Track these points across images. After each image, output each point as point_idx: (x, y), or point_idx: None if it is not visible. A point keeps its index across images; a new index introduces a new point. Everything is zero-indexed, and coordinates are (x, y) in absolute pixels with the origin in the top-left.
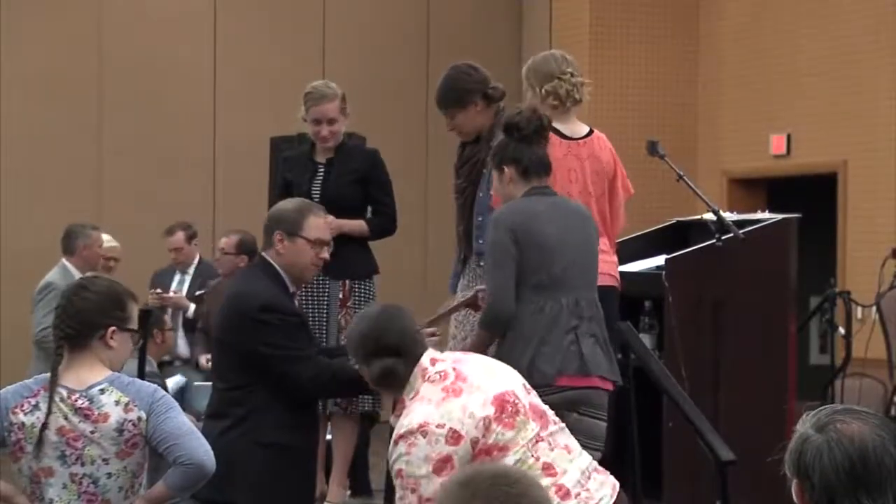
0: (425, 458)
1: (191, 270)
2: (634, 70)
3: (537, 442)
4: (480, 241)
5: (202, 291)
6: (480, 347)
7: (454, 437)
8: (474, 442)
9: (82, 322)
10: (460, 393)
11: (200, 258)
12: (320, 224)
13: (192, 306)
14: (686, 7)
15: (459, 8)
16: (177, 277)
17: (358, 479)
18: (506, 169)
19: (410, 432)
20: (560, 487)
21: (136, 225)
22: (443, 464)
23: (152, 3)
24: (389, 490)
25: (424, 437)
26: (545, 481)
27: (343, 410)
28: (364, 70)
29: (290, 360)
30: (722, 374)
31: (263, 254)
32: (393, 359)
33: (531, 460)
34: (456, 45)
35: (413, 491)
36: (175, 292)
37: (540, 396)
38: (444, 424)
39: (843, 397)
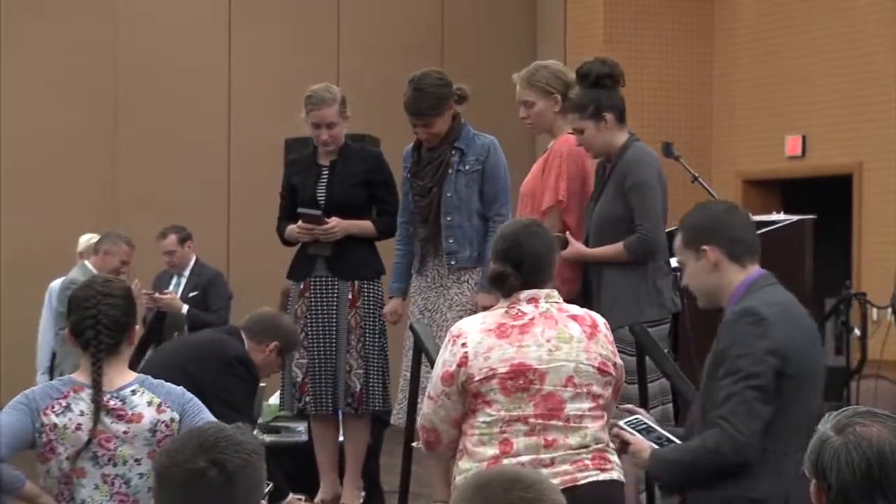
0: (443, 362)
1: (186, 273)
2: (649, 71)
3: (518, 420)
4: (451, 241)
5: (196, 293)
6: (603, 259)
7: (463, 360)
8: (470, 377)
9: (118, 330)
10: (503, 336)
11: (197, 260)
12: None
13: (186, 308)
14: (701, 8)
15: (473, 11)
16: (174, 280)
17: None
18: (607, 116)
19: (451, 334)
20: (496, 459)
21: (151, 228)
22: (449, 377)
23: (167, 7)
24: (404, 491)
25: (452, 345)
26: (491, 451)
27: (354, 411)
28: (378, 72)
29: (234, 412)
30: None
31: (244, 335)
32: (512, 270)
33: (496, 429)
34: (470, 49)
35: (432, 380)
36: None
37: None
38: (467, 345)
39: (858, 399)
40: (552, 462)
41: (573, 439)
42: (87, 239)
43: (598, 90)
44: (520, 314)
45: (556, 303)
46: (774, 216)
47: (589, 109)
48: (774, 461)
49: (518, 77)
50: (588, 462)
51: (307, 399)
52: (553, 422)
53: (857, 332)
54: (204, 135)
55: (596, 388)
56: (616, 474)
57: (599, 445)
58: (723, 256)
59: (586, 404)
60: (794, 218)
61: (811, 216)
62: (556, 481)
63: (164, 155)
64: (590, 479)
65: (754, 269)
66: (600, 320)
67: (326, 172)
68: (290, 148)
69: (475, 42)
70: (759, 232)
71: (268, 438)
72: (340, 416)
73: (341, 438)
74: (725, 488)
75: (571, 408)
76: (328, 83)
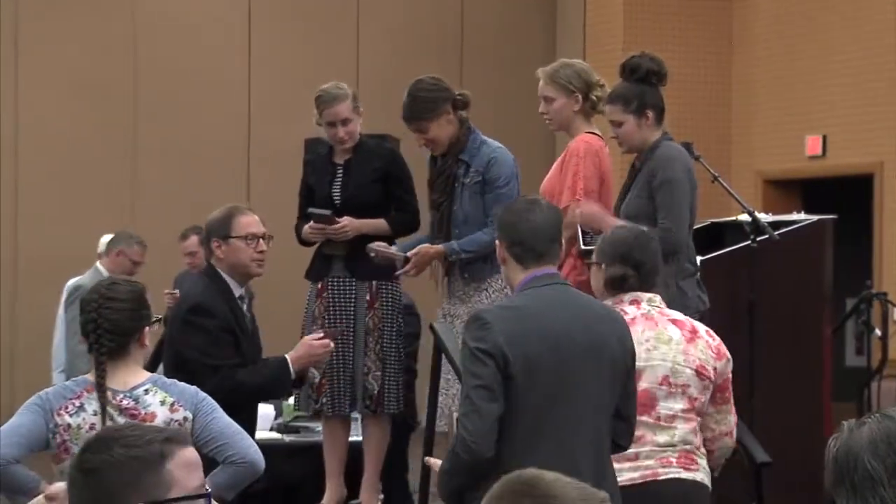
0: None
1: None
2: (668, 71)
3: None
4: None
5: None
6: None
7: None
8: None
9: (121, 333)
10: None
11: None
12: (250, 220)
13: None
14: (720, 7)
15: (493, 12)
16: None
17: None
18: (649, 113)
19: None
20: None
21: (171, 228)
22: None
23: (187, 8)
24: (424, 490)
25: None
26: None
27: (373, 413)
28: (397, 73)
29: (209, 357)
30: (757, 375)
31: (211, 262)
32: (633, 272)
33: None
34: (489, 50)
35: None
36: None
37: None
38: None
39: (879, 400)
40: (636, 457)
41: (661, 437)
42: (106, 240)
43: (644, 86)
44: (622, 314)
45: (658, 307)
46: (795, 216)
47: (633, 104)
48: (508, 462)
49: (542, 72)
50: (673, 459)
51: (324, 400)
52: (643, 418)
53: (877, 332)
54: (224, 135)
55: (693, 391)
56: (701, 476)
57: (688, 446)
58: (507, 255)
59: (679, 405)
60: (815, 218)
61: (831, 216)
62: (636, 475)
63: (183, 155)
64: (671, 476)
65: (535, 271)
66: (702, 328)
67: (341, 171)
68: (310, 147)
69: (494, 42)
70: (779, 232)
71: (287, 438)
72: (359, 419)
73: (356, 438)
74: (474, 489)
75: (664, 407)
76: (336, 81)
